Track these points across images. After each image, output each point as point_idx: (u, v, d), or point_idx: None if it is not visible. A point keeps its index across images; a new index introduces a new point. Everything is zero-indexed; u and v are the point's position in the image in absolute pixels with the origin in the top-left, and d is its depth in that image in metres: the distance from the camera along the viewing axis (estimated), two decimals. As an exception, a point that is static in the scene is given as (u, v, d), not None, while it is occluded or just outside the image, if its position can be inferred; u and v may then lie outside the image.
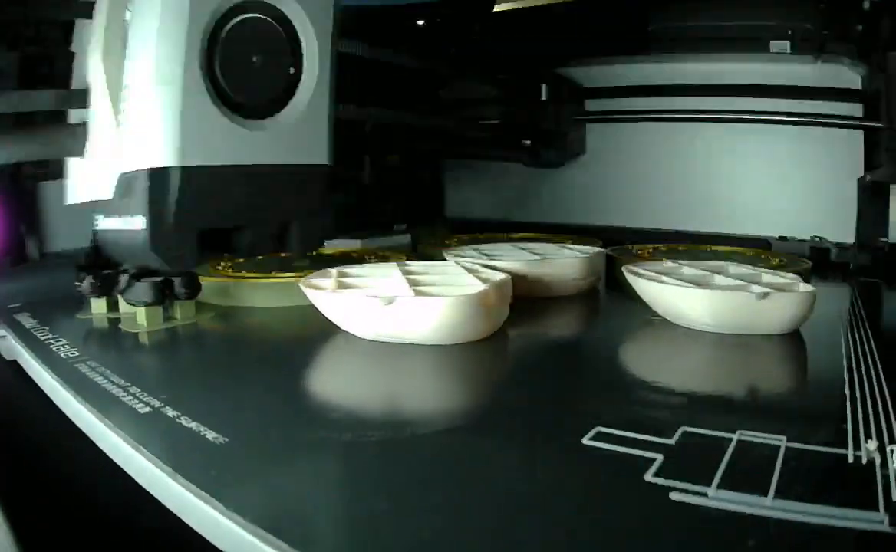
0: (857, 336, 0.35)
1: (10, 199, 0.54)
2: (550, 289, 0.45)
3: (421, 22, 0.69)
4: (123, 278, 0.38)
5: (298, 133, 0.38)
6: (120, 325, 0.39)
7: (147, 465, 0.21)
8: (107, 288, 0.41)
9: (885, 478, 0.19)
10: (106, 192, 0.36)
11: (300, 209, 0.39)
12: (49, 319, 0.41)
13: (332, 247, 0.65)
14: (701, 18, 0.66)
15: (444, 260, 0.45)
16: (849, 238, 0.61)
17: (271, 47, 0.36)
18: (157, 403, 0.26)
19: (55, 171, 0.57)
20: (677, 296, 0.36)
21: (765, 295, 0.34)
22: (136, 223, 0.34)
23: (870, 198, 0.59)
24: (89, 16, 0.36)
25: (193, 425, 0.23)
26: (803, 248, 0.59)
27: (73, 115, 0.39)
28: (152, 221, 0.34)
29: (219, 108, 0.34)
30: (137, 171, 0.34)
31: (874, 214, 0.59)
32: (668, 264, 0.43)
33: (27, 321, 0.41)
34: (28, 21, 0.45)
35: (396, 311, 0.32)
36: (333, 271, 0.39)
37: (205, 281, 0.42)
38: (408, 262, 0.43)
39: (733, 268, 0.41)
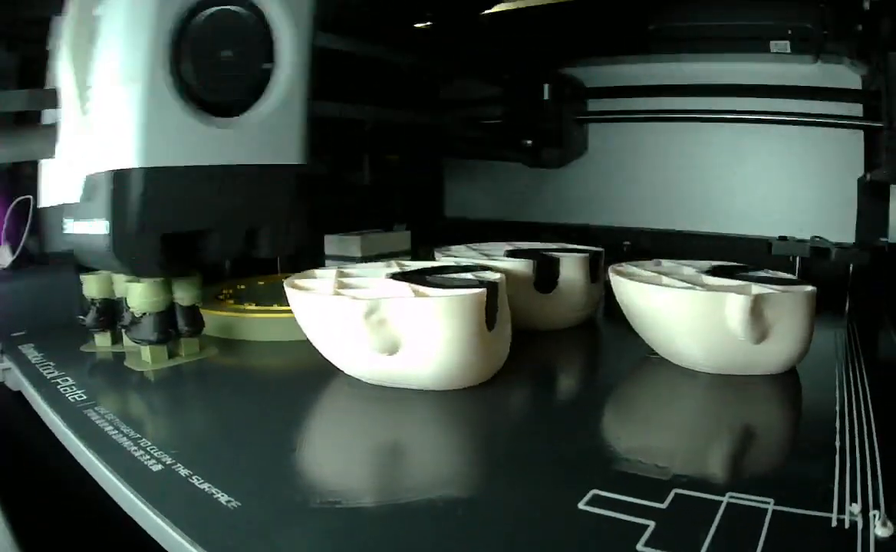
0: (851, 376, 0.35)
1: (11, 199, 0.54)
2: (550, 322, 0.45)
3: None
4: (128, 314, 0.38)
5: (269, 131, 0.35)
6: (125, 362, 0.39)
7: (166, 530, 0.21)
8: (110, 322, 0.42)
9: (866, 543, 0.19)
10: (74, 195, 0.34)
11: (268, 210, 0.37)
12: (54, 352, 0.41)
13: (331, 243, 0.65)
14: (701, 18, 0.65)
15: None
16: (849, 238, 0.61)
17: (243, 41, 0.34)
18: (168, 460, 0.26)
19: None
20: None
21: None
22: (98, 227, 0.32)
23: (870, 198, 0.59)
24: (61, 11, 0.35)
25: (206, 486, 0.24)
26: (803, 248, 0.59)
27: (48, 116, 0.38)
28: (114, 225, 0.32)
29: (185, 106, 0.32)
30: (100, 172, 0.32)
31: (874, 214, 0.59)
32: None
33: (32, 354, 0.41)
34: (7, 19, 0.44)
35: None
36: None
37: (207, 314, 0.42)
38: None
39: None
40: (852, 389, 0.33)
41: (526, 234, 0.60)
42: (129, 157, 0.31)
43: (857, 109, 0.60)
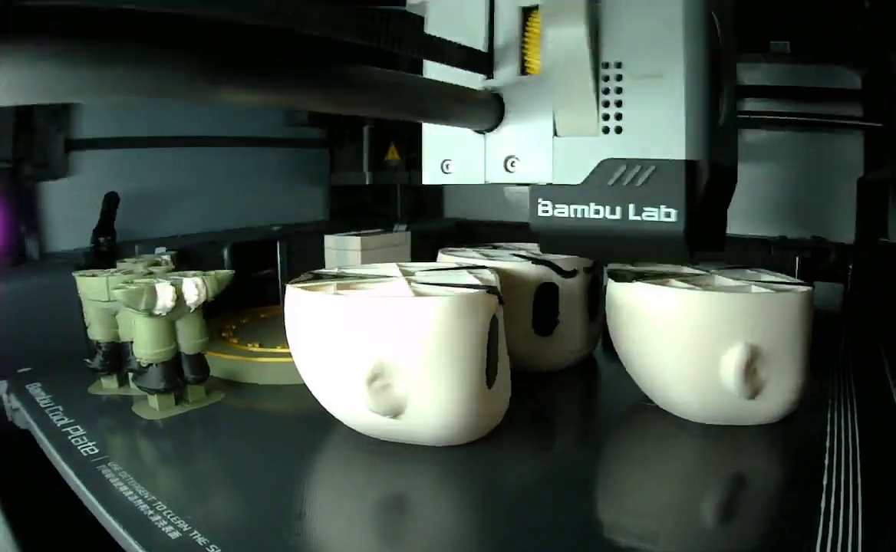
0: (843, 423, 0.35)
1: (10, 199, 0.54)
2: (549, 364, 0.45)
3: None
4: (134, 358, 0.39)
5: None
6: (133, 408, 0.39)
7: None
8: (117, 365, 0.42)
9: None
10: (568, 175, 0.34)
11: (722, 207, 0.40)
12: (61, 394, 0.41)
13: (331, 243, 0.65)
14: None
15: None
16: (849, 238, 0.61)
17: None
18: (185, 526, 0.26)
19: (55, 171, 0.58)
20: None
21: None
22: (658, 214, 0.33)
23: (870, 198, 0.59)
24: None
25: None
26: (803, 249, 0.59)
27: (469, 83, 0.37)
28: (688, 214, 0.32)
29: (717, 104, 0.33)
30: (655, 160, 0.32)
31: (874, 214, 0.59)
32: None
33: (40, 395, 0.41)
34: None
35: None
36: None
37: (211, 357, 0.42)
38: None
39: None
40: (843, 436, 0.33)
41: (525, 235, 0.59)
42: (692, 149, 0.32)
43: (857, 109, 0.60)
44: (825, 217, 0.62)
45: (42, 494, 0.35)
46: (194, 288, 0.38)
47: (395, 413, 0.32)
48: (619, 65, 0.33)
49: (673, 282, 0.38)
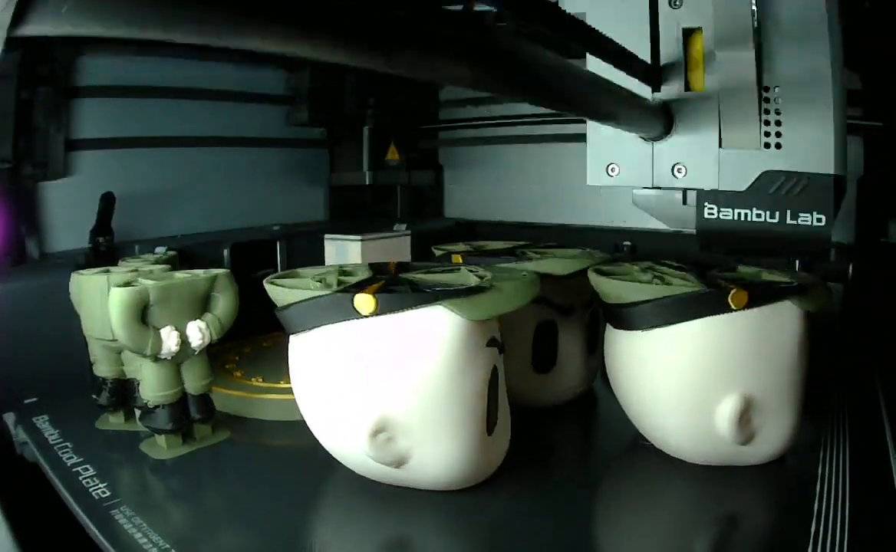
0: (834, 465, 0.35)
1: (10, 198, 0.54)
2: (548, 400, 0.45)
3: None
4: (140, 398, 0.39)
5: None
6: (141, 447, 0.40)
7: None
8: (123, 401, 0.42)
9: None
10: (732, 182, 0.40)
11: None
12: (69, 429, 0.42)
13: (331, 244, 0.65)
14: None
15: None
16: (849, 238, 0.60)
17: None
18: None
19: (55, 171, 0.58)
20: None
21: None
22: (812, 219, 0.38)
23: (870, 198, 0.59)
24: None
25: None
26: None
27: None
28: (829, 223, 0.38)
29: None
30: (810, 173, 0.38)
31: (874, 214, 0.59)
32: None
33: (48, 430, 0.41)
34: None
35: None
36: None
37: (216, 393, 0.42)
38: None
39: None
40: (832, 487, 0.33)
41: (525, 235, 0.59)
42: (839, 165, 0.38)
43: (856, 110, 0.59)
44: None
45: (45, 512, 0.35)
46: (198, 332, 0.39)
47: (398, 464, 0.32)
48: (776, 89, 0.38)
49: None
